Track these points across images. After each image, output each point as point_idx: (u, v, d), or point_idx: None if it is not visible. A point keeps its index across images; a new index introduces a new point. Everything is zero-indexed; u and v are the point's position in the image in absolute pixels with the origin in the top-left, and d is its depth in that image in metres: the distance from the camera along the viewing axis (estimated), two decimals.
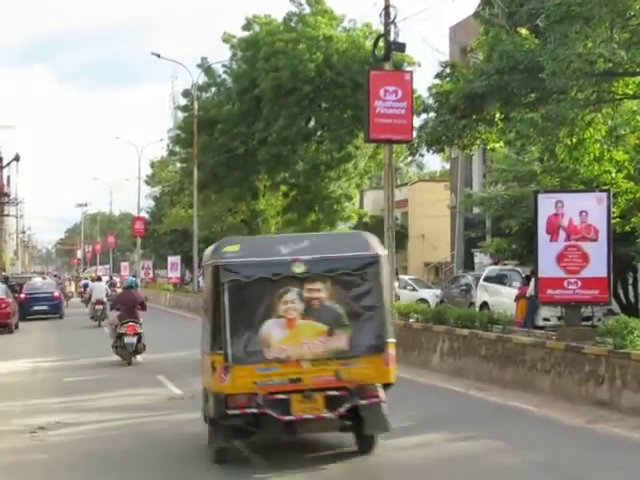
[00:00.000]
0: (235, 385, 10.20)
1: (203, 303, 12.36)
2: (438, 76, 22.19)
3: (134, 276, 43.53)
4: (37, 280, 50.16)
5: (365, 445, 11.00)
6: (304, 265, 10.32)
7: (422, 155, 24.36)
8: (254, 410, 10.17)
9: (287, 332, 10.30)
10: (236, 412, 10.20)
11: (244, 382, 10.19)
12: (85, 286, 51.76)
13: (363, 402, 10.45)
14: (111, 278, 46.64)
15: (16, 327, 35.86)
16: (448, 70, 22.04)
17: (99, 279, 42.75)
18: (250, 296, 10.26)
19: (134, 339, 21.77)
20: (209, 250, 11.31)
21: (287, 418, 10.21)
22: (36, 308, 42.58)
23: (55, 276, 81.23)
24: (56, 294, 44.50)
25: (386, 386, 10.87)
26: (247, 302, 10.25)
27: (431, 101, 21.97)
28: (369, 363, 10.53)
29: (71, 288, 67.63)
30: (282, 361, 10.25)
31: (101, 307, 35.79)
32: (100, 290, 37.21)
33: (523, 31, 19.10)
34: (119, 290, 33.66)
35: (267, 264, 10.35)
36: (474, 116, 20.47)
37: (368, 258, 10.68)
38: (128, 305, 22.29)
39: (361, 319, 10.51)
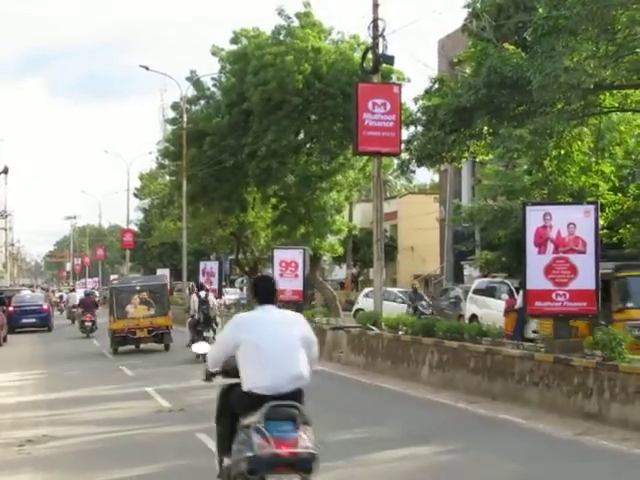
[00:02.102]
0: (117, 326, 28.94)
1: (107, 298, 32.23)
2: (427, 92, 22.26)
3: (93, 288, 57.91)
4: (26, 293, 50.14)
5: (165, 348, 29.33)
6: (139, 286, 28.87)
7: (413, 172, 24.45)
8: (123, 334, 28.92)
9: (134, 309, 29.10)
10: (117, 335, 29.07)
11: (120, 325, 28.94)
12: (61, 297, 64.79)
13: (161, 331, 29.25)
14: (88, 294, 46.65)
15: (4, 340, 35.75)
16: (437, 85, 22.12)
17: (73, 290, 60.12)
18: (121, 296, 29.39)
19: (90, 323, 37.95)
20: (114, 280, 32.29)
21: (135, 337, 29.02)
22: (25, 321, 42.50)
23: (43, 289, 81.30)
24: (45, 307, 44.47)
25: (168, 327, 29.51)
26: (120, 298, 29.29)
27: (419, 114, 22.04)
28: (162, 318, 29.37)
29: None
30: (133, 318, 28.90)
31: (75, 310, 46.73)
32: (74, 298, 49.96)
33: (510, 46, 19.19)
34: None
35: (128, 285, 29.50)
36: (463, 130, 20.54)
37: (162, 284, 31.25)
38: (88, 304, 39.29)
39: (158, 304, 29.66)
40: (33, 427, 14.49)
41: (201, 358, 17.57)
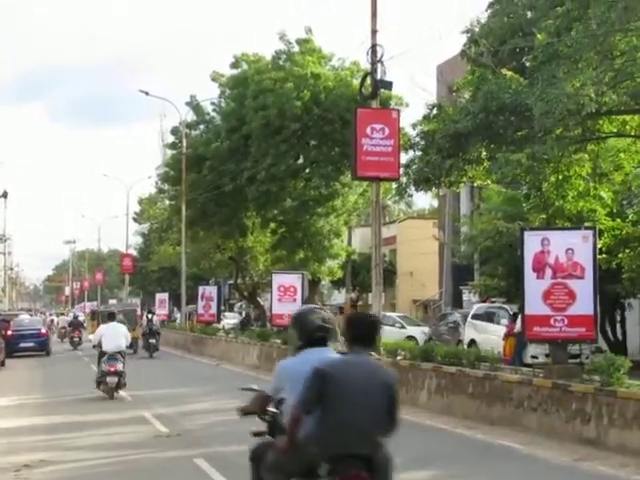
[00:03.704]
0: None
1: None
2: (425, 118, 22.31)
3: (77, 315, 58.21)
4: (24, 317, 50.11)
5: (134, 352, 31.71)
6: (117, 310, 28.60)
7: (410, 195, 24.46)
8: None
9: None
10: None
11: None
12: (52, 320, 67.93)
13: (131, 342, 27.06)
14: (76, 318, 53.87)
15: (2, 364, 35.66)
16: (435, 111, 22.16)
17: (63, 314, 75.31)
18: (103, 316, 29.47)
19: (77, 339, 48.31)
20: None
21: None
22: (23, 345, 42.38)
23: (41, 313, 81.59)
24: (43, 331, 44.37)
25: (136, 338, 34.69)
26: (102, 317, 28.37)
27: (417, 139, 22.08)
28: (132, 332, 28.16)
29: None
30: None
31: (64, 329, 57.94)
32: (63, 321, 62.85)
33: (508, 73, 19.24)
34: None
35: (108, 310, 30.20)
36: (460, 155, 20.58)
37: (132, 309, 44.43)
38: (76, 325, 50.51)
39: (130, 322, 34.53)
40: (30, 452, 14.43)
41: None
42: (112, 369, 22.00)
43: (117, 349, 22.11)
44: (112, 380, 22.04)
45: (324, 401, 6.32)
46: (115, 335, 22.15)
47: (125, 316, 35.69)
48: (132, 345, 33.92)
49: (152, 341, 40.12)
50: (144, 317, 42.68)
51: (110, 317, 23.78)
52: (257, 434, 7.24)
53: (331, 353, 6.90)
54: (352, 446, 6.32)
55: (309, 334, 7.04)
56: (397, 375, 7.02)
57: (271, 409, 7.04)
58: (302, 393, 6.39)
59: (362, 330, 6.70)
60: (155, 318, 42.25)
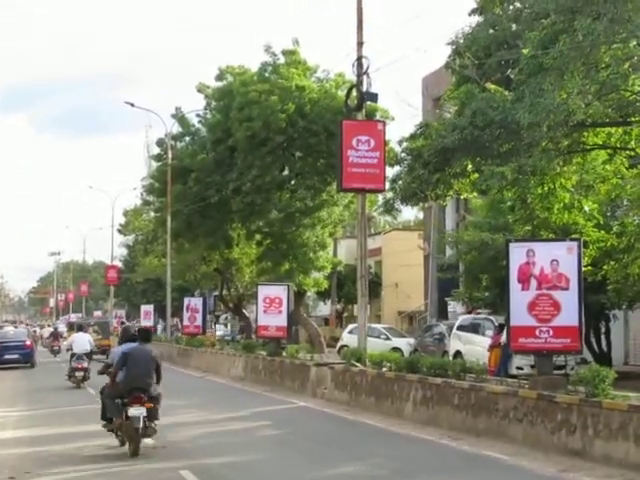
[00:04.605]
0: None
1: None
2: (412, 136, 22.36)
3: (56, 327, 66.32)
4: (9, 329, 49.91)
5: (106, 357, 23.75)
6: (92, 322, 35.99)
7: (398, 210, 24.55)
8: None
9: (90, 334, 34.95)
10: None
11: None
12: (35, 331, 68.72)
13: (105, 348, 37.98)
14: (55, 329, 60.99)
15: None
16: (421, 130, 22.23)
17: (43, 327, 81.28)
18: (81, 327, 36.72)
19: (57, 348, 51.77)
20: None
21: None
22: (7, 357, 42.21)
23: (27, 325, 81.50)
24: (27, 343, 44.17)
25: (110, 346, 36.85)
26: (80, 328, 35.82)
27: (404, 154, 22.15)
28: (106, 340, 43.23)
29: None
30: None
31: (48, 339, 58.65)
32: (46, 331, 67.35)
33: (492, 86, 19.32)
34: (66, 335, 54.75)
35: (86, 322, 37.30)
36: (447, 169, 20.64)
37: (105, 321, 48.67)
38: (55, 335, 54.81)
39: (104, 332, 45.55)
40: (16, 464, 14.38)
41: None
42: (79, 366, 29.28)
43: (83, 351, 29.64)
44: (79, 374, 29.17)
45: (126, 365, 15.14)
46: (82, 341, 29.82)
47: (100, 327, 46.44)
48: (105, 351, 38.50)
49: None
50: (119, 327, 47.36)
51: (79, 328, 32.74)
52: (100, 373, 16.59)
53: (133, 345, 15.63)
54: (138, 383, 14.98)
55: (126, 336, 16.29)
56: (156, 351, 16.13)
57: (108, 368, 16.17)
58: (116, 362, 15.46)
59: (139, 334, 16.06)
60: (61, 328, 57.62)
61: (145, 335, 15.93)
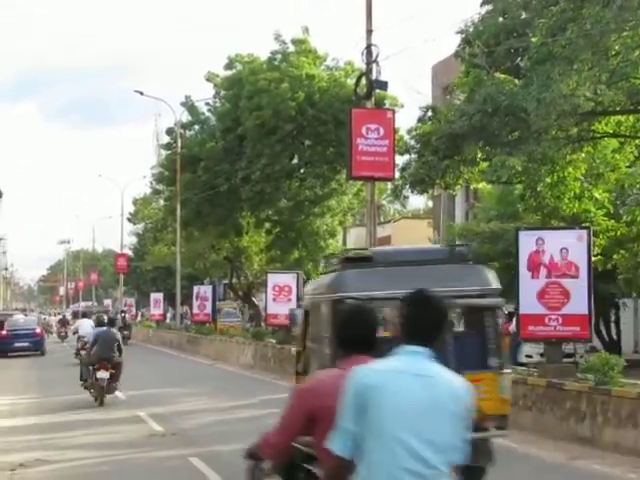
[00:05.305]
0: None
1: None
2: (420, 120, 22.33)
3: (64, 315, 72.80)
4: (19, 317, 50.07)
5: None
6: (94, 310, 34.70)
7: (406, 197, 24.50)
8: None
9: None
10: None
11: None
12: (45, 319, 71.91)
13: None
14: (63, 317, 69.33)
15: None
16: (430, 113, 22.19)
17: (50, 315, 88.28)
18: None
19: (63, 333, 57.27)
20: None
21: None
22: (17, 345, 42.36)
23: (41, 313, 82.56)
24: (38, 331, 44.34)
25: None
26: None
27: (413, 142, 22.11)
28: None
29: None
30: None
31: (55, 326, 65.13)
32: (54, 319, 72.95)
33: (502, 75, 19.27)
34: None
35: (89, 310, 36.56)
36: (456, 157, 20.60)
37: (107, 309, 56.64)
38: (62, 322, 60.88)
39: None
40: (25, 451, 14.45)
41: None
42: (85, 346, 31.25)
43: (86, 334, 29.19)
44: (84, 353, 28.86)
45: (97, 343, 20.85)
46: (87, 326, 30.10)
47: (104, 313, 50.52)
48: None
49: (125, 332, 47.59)
50: (118, 316, 51.83)
51: (83, 315, 35.04)
52: (79, 349, 23.90)
53: (102, 328, 21.36)
54: (104, 355, 20.40)
55: (98, 323, 22.16)
56: (119, 334, 21.71)
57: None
58: (91, 341, 21.26)
59: (107, 321, 21.14)
60: (127, 315, 57.68)
61: (111, 322, 23.54)
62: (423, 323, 4.33)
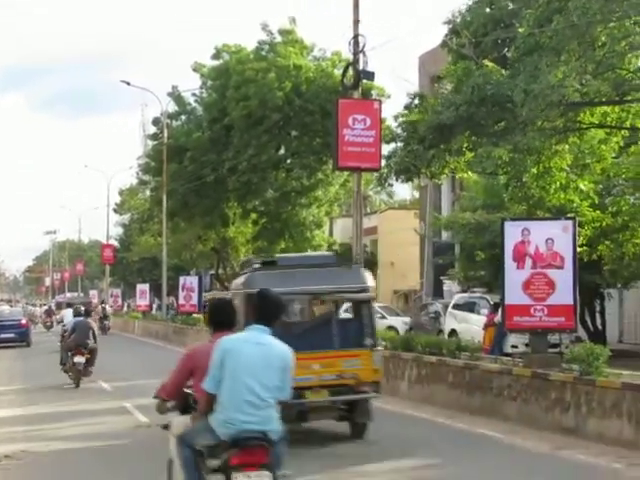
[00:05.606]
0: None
1: None
2: (407, 107, 22.33)
3: (50, 305, 71.93)
4: (4, 308, 49.96)
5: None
6: (78, 301, 34.65)
7: (391, 185, 24.53)
8: None
9: None
10: None
11: None
12: (30, 310, 73.19)
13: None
14: (49, 307, 68.44)
15: None
16: (417, 101, 22.19)
17: (34, 305, 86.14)
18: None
19: (49, 324, 58.00)
20: None
21: None
22: (3, 336, 42.22)
23: (30, 304, 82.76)
24: (23, 322, 44.20)
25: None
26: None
27: (399, 130, 22.10)
28: (91, 319, 27.04)
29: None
30: None
31: (42, 317, 65.49)
32: (39, 310, 72.77)
33: (490, 63, 19.27)
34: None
35: (71, 301, 37.58)
36: (442, 146, 20.61)
37: (89, 301, 54.90)
38: (48, 313, 61.44)
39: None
40: (10, 443, 14.40)
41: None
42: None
43: (67, 323, 30.11)
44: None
45: (74, 331, 23.40)
46: (69, 315, 28.85)
47: (83, 305, 49.50)
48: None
49: (105, 322, 53.60)
50: (99, 306, 58.46)
51: (68, 305, 34.83)
52: (61, 335, 24.85)
53: (79, 318, 23.73)
54: (80, 342, 22.86)
55: (76, 313, 24.16)
56: (93, 323, 24.27)
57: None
58: (69, 329, 23.86)
59: (84, 312, 24.25)
60: (107, 307, 59.59)
61: (86, 313, 25.90)
62: (265, 310, 7.03)
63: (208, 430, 6.89)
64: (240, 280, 14.55)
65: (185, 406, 7.78)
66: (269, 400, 6.80)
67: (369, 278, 14.41)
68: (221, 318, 7.64)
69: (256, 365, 6.76)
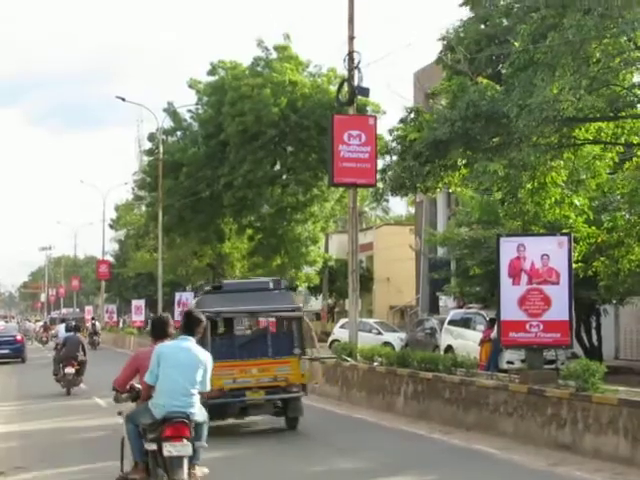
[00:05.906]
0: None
1: None
2: (402, 121, 22.36)
3: (46, 321, 75.58)
4: None
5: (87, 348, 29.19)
6: (71, 317, 38.39)
7: (386, 200, 24.56)
8: None
9: None
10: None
11: None
12: (26, 325, 74.63)
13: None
14: (45, 323, 72.72)
15: None
16: (412, 115, 22.21)
17: (29, 320, 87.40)
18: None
19: (45, 339, 63.37)
20: None
21: None
22: None
23: (27, 320, 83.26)
24: (18, 337, 44.09)
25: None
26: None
27: (394, 144, 22.12)
28: (81, 334, 29.73)
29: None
30: None
31: (38, 332, 68.25)
32: (34, 325, 74.50)
33: (484, 80, 19.30)
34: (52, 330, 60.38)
35: (65, 317, 43.16)
36: (438, 162, 20.62)
37: (81, 317, 61.56)
38: (45, 328, 66.56)
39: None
40: (5, 459, 14.35)
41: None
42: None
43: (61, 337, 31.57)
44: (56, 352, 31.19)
45: (65, 345, 26.22)
46: (63, 329, 31.41)
47: (76, 320, 50.73)
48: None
49: (95, 338, 55.59)
50: (89, 322, 59.83)
51: (62, 321, 37.88)
52: (55, 349, 27.73)
53: (70, 333, 26.79)
54: (70, 354, 25.45)
55: (67, 328, 27.72)
56: (82, 338, 26.83)
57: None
58: (61, 343, 26.97)
59: (74, 327, 27.17)
60: (97, 323, 60.45)
61: (77, 328, 27.67)
62: (189, 324, 9.63)
63: (148, 411, 9.34)
64: (195, 300, 19.35)
65: (136, 397, 9.98)
66: (192, 391, 9.25)
67: (297, 300, 18.97)
68: (158, 331, 10.00)
69: (182, 364, 9.23)
